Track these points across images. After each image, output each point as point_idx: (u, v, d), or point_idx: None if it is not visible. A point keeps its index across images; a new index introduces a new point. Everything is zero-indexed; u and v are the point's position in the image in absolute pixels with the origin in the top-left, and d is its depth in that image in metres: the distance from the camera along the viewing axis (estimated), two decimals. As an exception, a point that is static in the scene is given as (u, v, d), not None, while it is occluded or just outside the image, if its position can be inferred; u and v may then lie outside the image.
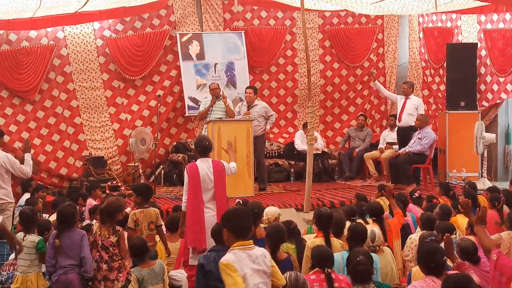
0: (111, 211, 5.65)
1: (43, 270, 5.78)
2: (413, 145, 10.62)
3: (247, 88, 10.94)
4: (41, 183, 10.10)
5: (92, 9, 10.46)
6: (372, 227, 6.25)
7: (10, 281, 5.82)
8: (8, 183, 7.36)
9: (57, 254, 5.49)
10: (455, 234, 6.12)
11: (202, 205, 6.27)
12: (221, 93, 10.37)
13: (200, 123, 11.81)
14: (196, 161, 6.47)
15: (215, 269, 5.16)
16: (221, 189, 6.36)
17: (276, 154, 12.63)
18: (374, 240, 5.98)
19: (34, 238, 5.80)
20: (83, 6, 9.67)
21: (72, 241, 5.52)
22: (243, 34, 12.50)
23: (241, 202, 7.44)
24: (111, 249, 5.54)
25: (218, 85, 10.49)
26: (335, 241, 6.07)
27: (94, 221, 6.68)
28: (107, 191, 9.84)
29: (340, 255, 5.47)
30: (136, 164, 11.20)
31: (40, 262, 5.76)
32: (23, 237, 5.78)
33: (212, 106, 10.14)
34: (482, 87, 13.27)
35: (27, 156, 7.63)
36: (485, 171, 11.80)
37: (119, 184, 10.41)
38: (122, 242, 5.68)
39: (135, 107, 11.92)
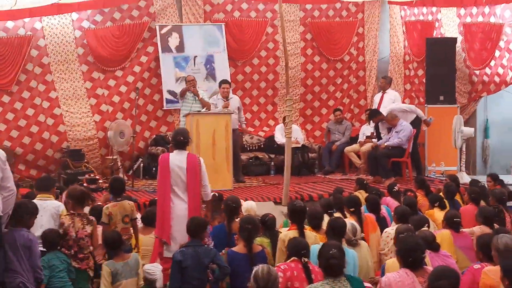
0: (80, 196, 5.69)
1: None
2: (391, 139, 10.64)
3: (223, 83, 10.83)
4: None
5: (70, 0, 10.37)
6: (351, 221, 6.27)
7: None
8: None
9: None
10: (427, 227, 6.16)
11: (168, 196, 6.25)
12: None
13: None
14: (170, 152, 6.47)
15: (192, 265, 5.18)
16: (194, 182, 6.32)
17: (256, 147, 12.60)
18: (355, 233, 6.01)
19: None
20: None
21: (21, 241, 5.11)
22: (223, 26, 12.45)
23: (216, 195, 7.42)
24: (85, 240, 5.57)
25: (194, 77, 10.52)
26: (309, 234, 6.06)
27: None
28: (84, 184, 9.76)
29: (316, 248, 5.46)
30: (114, 157, 11.12)
31: None
32: None
33: (195, 98, 10.15)
34: (475, 79, 13.23)
35: None
36: (464, 165, 11.86)
37: (97, 177, 10.32)
38: (95, 232, 5.78)
39: (116, 99, 11.81)
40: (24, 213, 5.24)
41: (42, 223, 6.07)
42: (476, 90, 13.07)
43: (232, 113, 10.18)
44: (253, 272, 3.97)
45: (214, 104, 10.56)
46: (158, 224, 6.30)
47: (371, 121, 11.33)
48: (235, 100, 10.75)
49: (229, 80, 11.37)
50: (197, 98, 10.24)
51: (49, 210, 6.16)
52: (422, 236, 5.38)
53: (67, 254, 5.65)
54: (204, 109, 10.01)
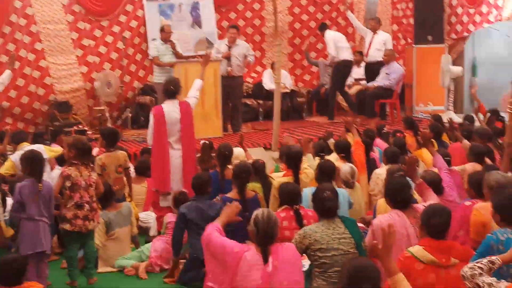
0: (88, 148, 5.63)
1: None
2: (381, 80, 10.64)
3: (230, 27, 10.72)
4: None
5: None
6: (349, 164, 6.35)
7: None
8: None
9: (29, 202, 5.20)
10: (417, 166, 6.24)
11: (167, 149, 6.29)
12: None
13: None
14: (163, 103, 6.47)
15: (196, 217, 5.26)
16: (188, 130, 6.38)
17: (245, 94, 12.54)
18: (353, 176, 6.11)
19: None
20: None
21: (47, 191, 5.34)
22: (208, -29, 12.24)
23: (207, 142, 7.45)
24: (92, 188, 5.52)
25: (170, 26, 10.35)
26: (304, 178, 6.14)
27: (59, 167, 6.59)
28: (72, 136, 9.72)
29: (309, 191, 5.53)
30: (102, 108, 11.06)
31: None
32: None
33: (174, 51, 9.96)
34: (453, 19, 13.21)
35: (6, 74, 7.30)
36: (452, 104, 11.91)
37: (86, 129, 10.29)
38: (98, 179, 5.70)
39: (103, 49, 11.67)
40: (40, 162, 5.38)
41: None
42: (455, 31, 13.05)
43: (219, 60, 10.12)
44: (253, 216, 4.00)
45: (217, 48, 10.46)
46: (156, 177, 6.33)
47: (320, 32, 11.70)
48: (242, 47, 10.58)
49: (237, 25, 11.09)
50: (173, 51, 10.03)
51: None
52: (428, 178, 5.43)
53: (78, 215, 5.46)
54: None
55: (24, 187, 5.18)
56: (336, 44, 11.23)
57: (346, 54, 11.15)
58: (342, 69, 11.23)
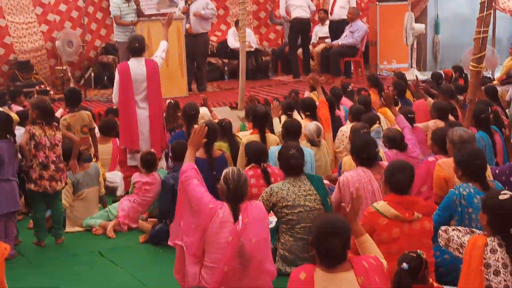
0: (50, 108, 5.54)
1: None
2: (345, 38, 10.67)
3: None
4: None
5: None
6: (315, 122, 6.41)
7: None
8: None
9: (6, 162, 5.10)
10: (379, 123, 6.36)
11: (134, 106, 6.26)
12: None
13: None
14: (128, 61, 6.41)
15: None
16: (155, 88, 6.34)
17: (209, 52, 12.46)
18: (319, 134, 6.16)
19: None
20: None
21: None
22: None
23: (172, 102, 7.42)
24: (58, 147, 5.44)
25: None
26: (271, 137, 6.19)
27: (19, 127, 6.47)
28: (35, 96, 9.57)
29: (275, 149, 5.58)
30: (64, 67, 10.88)
31: None
32: None
33: (138, 8, 9.70)
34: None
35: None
36: (415, 62, 12.03)
37: (48, 89, 10.12)
38: (69, 133, 5.63)
39: (63, 7, 11.43)
40: (11, 123, 5.28)
41: None
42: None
43: (183, 18, 9.99)
44: (223, 174, 4.01)
45: (179, 8, 10.35)
46: (124, 135, 6.30)
47: None
48: (200, 2, 10.40)
49: None
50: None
51: None
52: (390, 136, 5.52)
53: (43, 176, 5.36)
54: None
55: (1, 149, 5.09)
56: (288, 2, 11.22)
57: (298, 11, 11.14)
58: (295, 26, 11.27)
